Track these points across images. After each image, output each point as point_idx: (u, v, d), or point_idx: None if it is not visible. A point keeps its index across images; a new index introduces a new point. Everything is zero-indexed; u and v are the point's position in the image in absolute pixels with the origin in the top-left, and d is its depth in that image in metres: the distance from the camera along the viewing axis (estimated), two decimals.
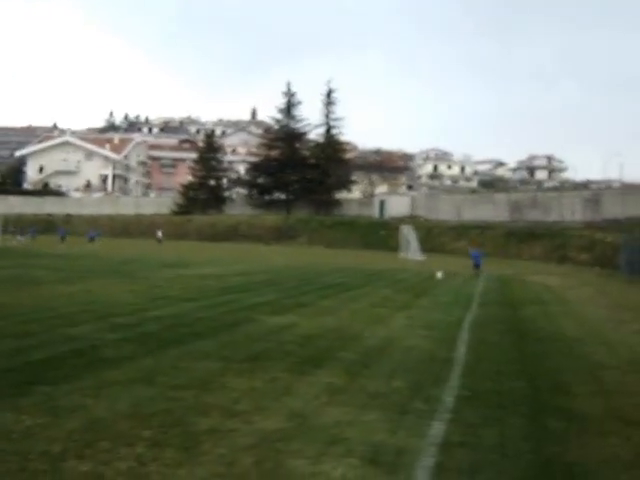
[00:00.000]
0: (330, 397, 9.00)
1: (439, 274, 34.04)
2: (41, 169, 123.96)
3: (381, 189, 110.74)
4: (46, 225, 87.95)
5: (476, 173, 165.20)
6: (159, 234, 76.81)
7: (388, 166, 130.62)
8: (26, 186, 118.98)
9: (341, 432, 7.48)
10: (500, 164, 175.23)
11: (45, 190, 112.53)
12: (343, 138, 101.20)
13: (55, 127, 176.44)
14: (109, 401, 8.38)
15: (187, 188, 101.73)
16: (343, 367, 11.00)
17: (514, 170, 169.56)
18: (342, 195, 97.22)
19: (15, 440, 6.86)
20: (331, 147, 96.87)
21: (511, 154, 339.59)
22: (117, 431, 7.25)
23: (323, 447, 6.98)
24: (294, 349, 12.49)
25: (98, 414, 7.84)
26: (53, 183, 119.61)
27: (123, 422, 7.56)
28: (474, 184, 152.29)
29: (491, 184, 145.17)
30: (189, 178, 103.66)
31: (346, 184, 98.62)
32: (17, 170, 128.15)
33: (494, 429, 7.88)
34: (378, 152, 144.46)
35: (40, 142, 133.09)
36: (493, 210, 73.29)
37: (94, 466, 6.24)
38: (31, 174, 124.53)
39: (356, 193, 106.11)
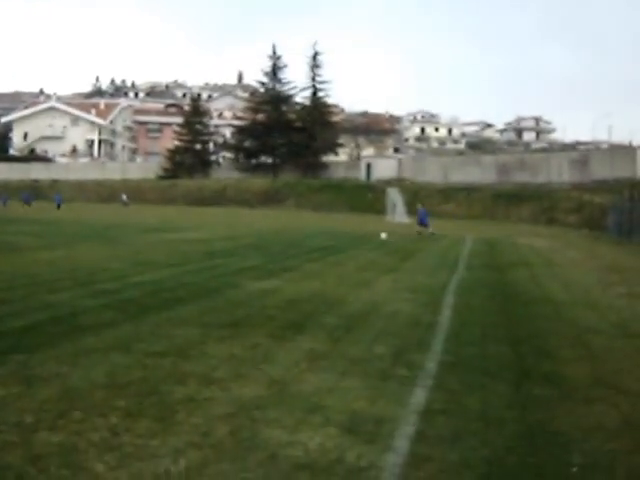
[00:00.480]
0: (310, 363, 8.82)
1: (383, 235, 34.50)
2: (26, 135, 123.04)
3: (368, 152, 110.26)
4: (32, 191, 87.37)
5: (464, 135, 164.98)
6: (124, 197, 76.83)
7: (375, 129, 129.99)
8: (12, 152, 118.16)
9: (320, 400, 7.30)
10: (488, 126, 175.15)
11: (31, 156, 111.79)
12: (329, 101, 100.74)
13: (41, 92, 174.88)
14: (85, 370, 8.19)
15: (173, 152, 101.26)
16: (325, 332, 10.83)
17: (502, 132, 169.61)
18: (329, 158, 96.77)
19: None
20: (317, 110, 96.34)
21: (499, 116, 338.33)
22: (91, 401, 7.06)
23: (301, 415, 6.80)
24: (276, 314, 12.32)
25: (73, 383, 7.65)
26: (39, 149, 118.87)
27: (98, 391, 7.37)
28: (462, 146, 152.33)
29: (478, 146, 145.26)
30: (175, 143, 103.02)
31: (333, 147, 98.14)
32: (3, 136, 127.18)
33: (477, 396, 7.71)
34: (365, 115, 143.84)
35: (26, 108, 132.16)
36: (480, 172, 73.16)
37: (66, 437, 6.04)
38: (17, 140, 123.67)
39: (343, 156, 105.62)
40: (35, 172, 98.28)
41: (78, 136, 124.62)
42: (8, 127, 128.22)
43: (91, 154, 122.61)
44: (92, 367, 8.30)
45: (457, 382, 8.20)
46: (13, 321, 10.99)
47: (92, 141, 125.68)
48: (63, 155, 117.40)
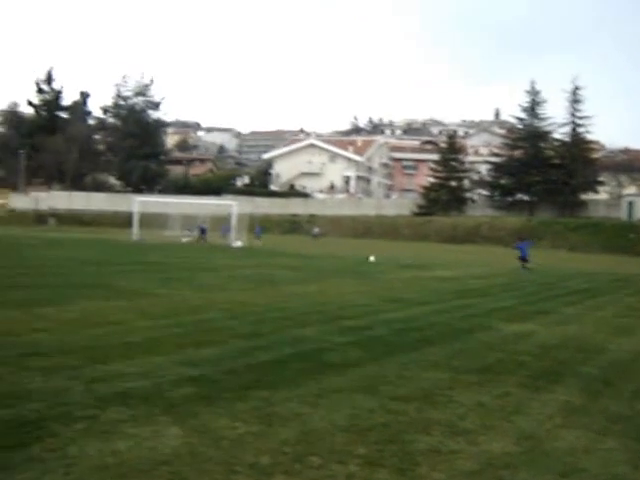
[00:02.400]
0: (565, 418, 8.11)
1: (372, 258, 35.04)
2: (287, 171, 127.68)
3: (630, 190, 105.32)
4: (291, 225, 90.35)
5: None
6: (315, 230, 77.42)
7: (637, 166, 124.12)
8: (273, 188, 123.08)
9: (576, 461, 6.63)
10: None
11: (290, 191, 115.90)
12: (589, 137, 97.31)
13: (302, 131, 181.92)
14: (326, 411, 7.96)
15: (428, 189, 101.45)
16: (582, 384, 10.03)
17: None
18: (588, 197, 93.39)
19: (224, 448, 6.58)
20: (577, 146, 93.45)
21: None
22: (331, 445, 6.79)
23: (554, 478, 6.18)
24: (529, 361, 11.62)
25: (313, 425, 7.44)
26: (298, 184, 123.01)
27: (338, 435, 7.10)
28: None
29: None
30: (430, 179, 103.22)
31: (592, 185, 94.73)
32: (264, 172, 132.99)
33: None
34: (626, 151, 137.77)
35: (287, 145, 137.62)
36: None
37: None
38: (277, 176, 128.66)
39: (602, 194, 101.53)
40: (294, 207, 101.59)
41: (335, 172, 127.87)
42: (270, 164, 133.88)
43: (347, 190, 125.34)
44: (334, 409, 8.06)
45: None
46: (260, 354, 11.03)
47: (349, 177, 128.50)
48: (321, 191, 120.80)
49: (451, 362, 11.16)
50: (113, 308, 15.90)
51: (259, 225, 70.19)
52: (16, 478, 5.66)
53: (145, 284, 21.77)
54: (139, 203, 64.11)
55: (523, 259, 37.38)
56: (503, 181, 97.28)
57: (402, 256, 47.66)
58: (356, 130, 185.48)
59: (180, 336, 12.38)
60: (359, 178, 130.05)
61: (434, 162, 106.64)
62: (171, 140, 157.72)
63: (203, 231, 62.25)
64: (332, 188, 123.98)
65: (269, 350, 11.44)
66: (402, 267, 35.59)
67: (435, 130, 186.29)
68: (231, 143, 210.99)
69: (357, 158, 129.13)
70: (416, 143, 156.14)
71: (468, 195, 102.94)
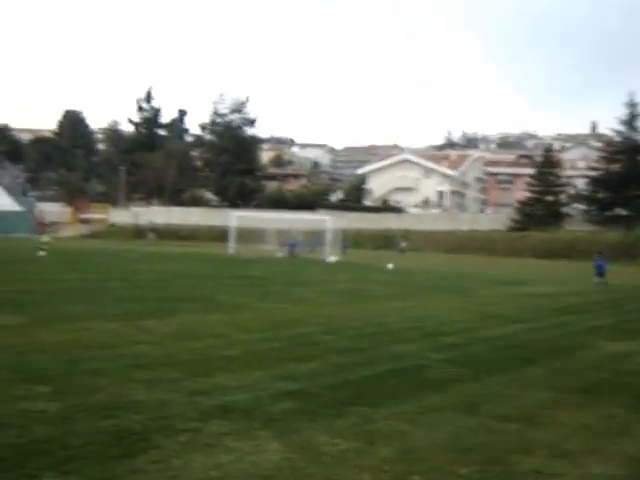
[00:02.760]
0: None
1: (390, 266, 35.57)
2: (380, 186, 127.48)
3: None
4: (384, 240, 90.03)
5: None
6: (403, 245, 77.07)
7: None
8: (366, 203, 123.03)
9: None
10: None
11: (384, 207, 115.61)
12: None
13: (395, 146, 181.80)
14: (427, 429, 7.91)
15: (523, 204, 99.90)
16: None
17: None
18: None
19: (325, 465, 6.59)
20: None
21: None
22: (431, 464, 6.74)
23: None
24: (634, 381, 11.33)
25: (414, 443, 7.40)
26: (392, 199, 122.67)
27: (439, 455, 7.04)
28: None
29: None
30: (526, 194, 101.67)
31: None
32: (358, 187, 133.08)
33: None
34: None
35: (380, 160, 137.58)
36: None
37: None
38: (371, 191, 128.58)
39: None
40: (387, 222, 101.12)
41: (429, 187, 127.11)
42: (363, 179, 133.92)
43: (441, 205, 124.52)
44: (435, 427, 8.00)
45: None
46: (359, 370, 11.04)
47: (442, 192, 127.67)
48: (415, 206, 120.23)
49: (552, 381, 10.96)
50: (212, 321, 16.14)
51: (343, 242, 70.48)
52: None
53: (243, 298, 22.03)
54: (236, 218, 64.81)
55: (600, 274, 36.44)
56: (600, 195, 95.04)
57: (496, 272, 47.05)
58: (450, 144, 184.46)
59: (278, 350, 12.49)
60: (453, 193, 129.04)
61: (530, 176, 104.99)
62: (266, 156, 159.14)
63: (293, 246, 62.60)
64: (426, 203, 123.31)
65: (367, 366, 11.43)
66: (497, 283, 35.11)
67: (530, 144, 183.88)
68: (325, 159, 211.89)
69: (451, 173, 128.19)
70: (511, 157, 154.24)
71: (565, 210, 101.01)
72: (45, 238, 45.73)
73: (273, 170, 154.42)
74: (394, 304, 22.31)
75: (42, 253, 42.11)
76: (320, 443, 7.21)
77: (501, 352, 13.59)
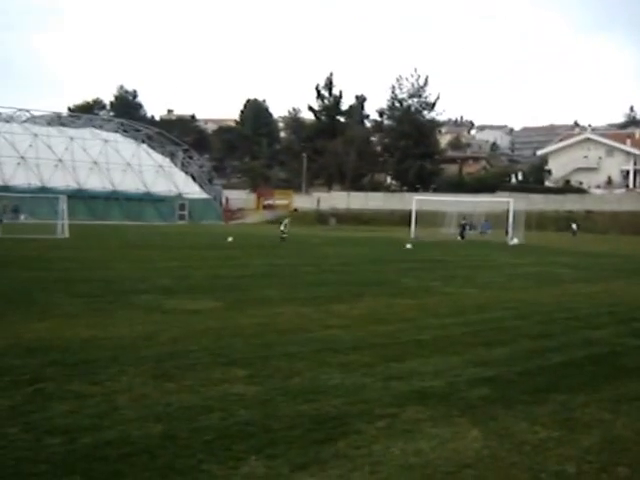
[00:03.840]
0: None
1: (409, 245, 36.83)
2: (561, 167, 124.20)
3: None
4: (565, 222, 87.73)
5: None
6: (574, 226, 75.28)
7: None
8: (547, 184, 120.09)
9: None
10: None
11: (566, 187, 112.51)
12: None
13: (576, 125, 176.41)
14: (629, 418, 7.71)
15: None
16: None
17: None
18: None
19: (527, 454, 6.52)
20: None
21: None
22: (637, 456, 6.56)
23: None
24: None
25: (617, 432, 7.23)
26: (574, 180, 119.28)
27: None
28: None
29: None
30: None
31: None
32: (538, 168, 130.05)
33: None
34: None
35: (561, 140, 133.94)
36: None
37: None
38: (552, 172, 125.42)
39: None
40: (569, 203, 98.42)
41: (613, 167, 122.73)
42: (544, 159, 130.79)
43: (626, 185, 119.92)
44: (636, 417, 7.79)
45: None
46: (552, 356, 10.88)
47: (627, 171, 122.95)
48: (597, 186, 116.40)
49: None
50: (400, 305, 16.25)
51: (486, 220, 70.23)
52: (328, 473, 5.91)
53: (428, 282, 22.07)
54: (416, 201, 64.74)
55: None
56: None
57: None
58: (633, 122, 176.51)
59: (469, 335, 12.47)
60: (639, 172, 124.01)
61: None
62: (444, 139, 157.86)
63: (464, 228, 62.26)
64: (610, 183, 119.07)
65: (560, 352, 11.25)
66: None
67: None
68: (503, 140, 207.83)
69: (636, 151, 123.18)
70: None
71: None
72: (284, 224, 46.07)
73: (452, 153, 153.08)
74: (583, 288, 21.79)
75: (284, 236, 43.97)
76: (519, 431, 7.15)
77: None
